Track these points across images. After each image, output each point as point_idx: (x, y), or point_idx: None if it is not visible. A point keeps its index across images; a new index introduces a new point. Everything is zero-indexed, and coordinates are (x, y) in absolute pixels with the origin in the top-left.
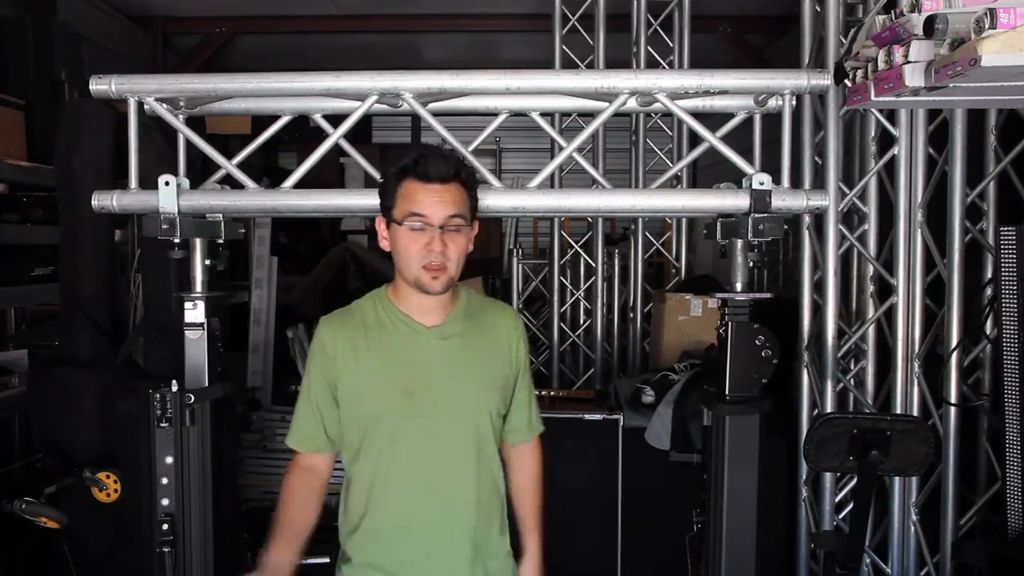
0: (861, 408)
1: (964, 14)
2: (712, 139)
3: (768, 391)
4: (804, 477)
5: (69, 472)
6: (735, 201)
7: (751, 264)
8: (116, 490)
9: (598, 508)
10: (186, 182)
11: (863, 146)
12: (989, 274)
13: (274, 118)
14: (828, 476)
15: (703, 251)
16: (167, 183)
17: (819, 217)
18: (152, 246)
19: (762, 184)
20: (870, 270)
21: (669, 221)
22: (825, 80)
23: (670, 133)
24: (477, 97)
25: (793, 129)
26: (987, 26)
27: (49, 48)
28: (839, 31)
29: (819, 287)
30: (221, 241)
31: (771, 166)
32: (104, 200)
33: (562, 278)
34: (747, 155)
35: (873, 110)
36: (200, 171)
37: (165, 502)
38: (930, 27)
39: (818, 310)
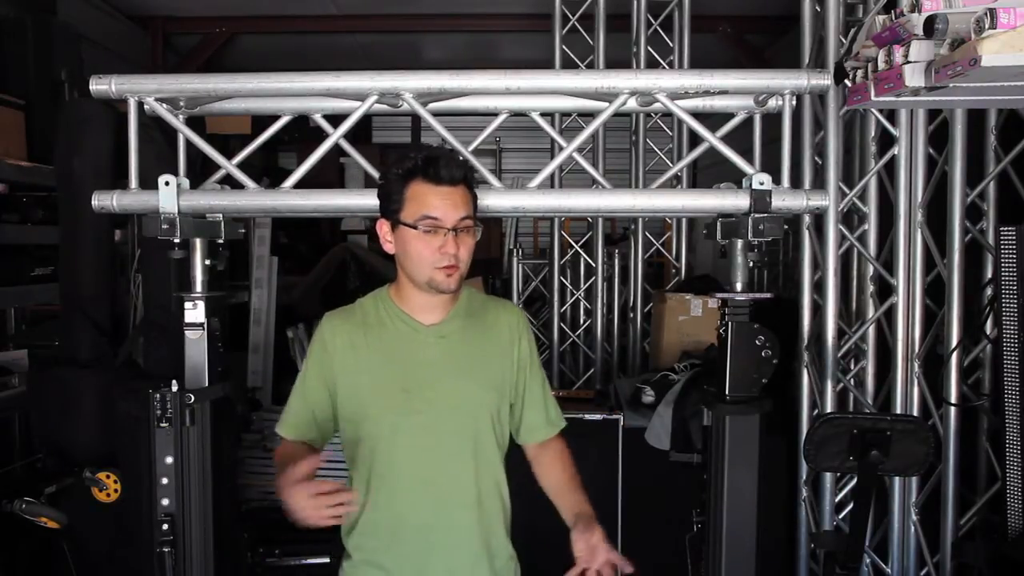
0: (861, 408)
1: (964, 14)
2: (712, 139)
3: (768, 391)
4: (804, 477)
5: (69, 472)
6: (735, 201)
7: (751, 264)
8: (116, 490)
9: (598, 508)
10: (186, 182)
11: (863, 146)
12: (989, 274)
13: (274, 118)
14: (828, 476)
15: (703, 251)
16: (167, 183)
17: (819, 217)
18: (152, 246)
19: (762, 184)
20: (870, 270)
21: (669, 221)
22: (825, 80)
23: (670, 133)
24: (477, 97)
25: (793, 129)
26: (987, 26)
27: (49, 48)
28: (839, 31)
29: (819, 287)
30: (221, 241)
31: (771, 166)
32: (104, 200)
33: (562, 278)
34: (747, 155)
35: (873, 110)
36: (200, 171)
37: (165, 502)
38: (930, 27)
39: (818, 310)
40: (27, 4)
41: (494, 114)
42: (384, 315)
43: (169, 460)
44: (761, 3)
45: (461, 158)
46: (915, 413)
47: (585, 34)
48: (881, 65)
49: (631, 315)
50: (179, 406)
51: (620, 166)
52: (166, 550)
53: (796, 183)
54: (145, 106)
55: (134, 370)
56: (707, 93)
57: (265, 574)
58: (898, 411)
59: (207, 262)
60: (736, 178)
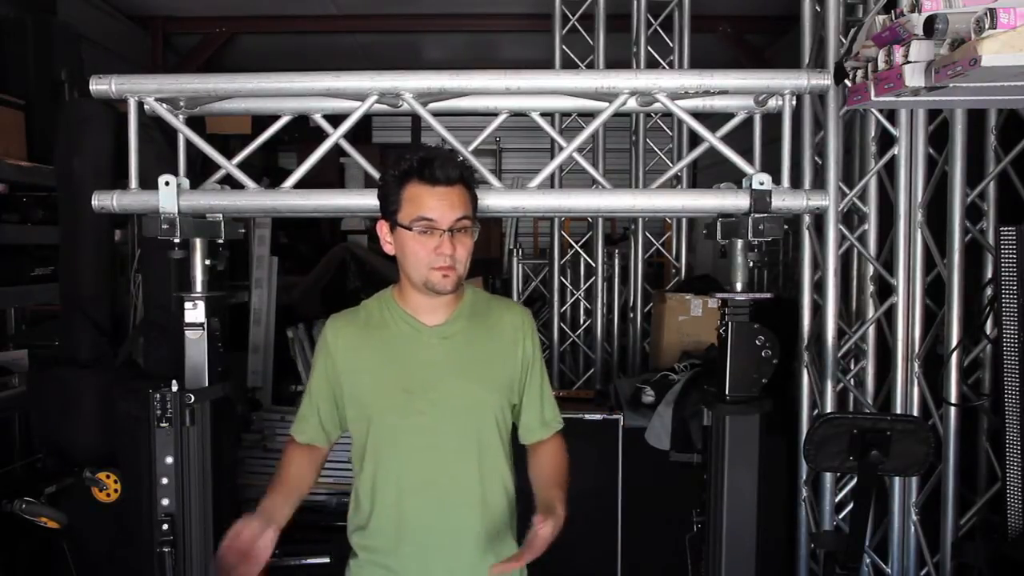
0: (861, 408)
1: (964, 14)
2: (712, 139)
3: (768, 391)
4: (804, 477)
5: (69, 472)
6: (735, 201)
7: (751, 264)
8: (116, 490)
9: (598, 508)
10: (186, 182)
11: (863, 146)
12: (989, 274)
13: (274, 118)
14: (828, 476)
15: (703, 251)
16: (167, 183)
17: (819, 217)
18: (152, 246)
19: (762, 184)
20: (870, 270)
21: (669, 221)
22: (825, 80)
23: (670, 133)
24: (477, 97)
25: (793, 129)
26: (987, 26)
27: (49, 48)
28: (839, 31)
29: (819, 287)
30: (221, 241)
31: (771, 166)
32: (104, 200)
33: (562, 278)
34: (747, 155)
35: (873, 110)
36: (200, 171)
37: (165, 502)
38: (930, 27)
39: (818, 310)
40: (27, 4)
41: (494, 114)
42: (387, 316)
43: (169, 460)
44: (761, 3)
45: (459, 158)
46: (915, 413)
47: (585, 34)
48: (881, 65)
49: (631, 315)
50: (179, 406)
51: (620, 166)
52: (166, 550)
53: (796, 183)
54: (145, 106)
55: (134, 370)
56: (707, 93)
57: (265, 574)
58: (898, 411)
59: (207, 262)
60: (736, 178)
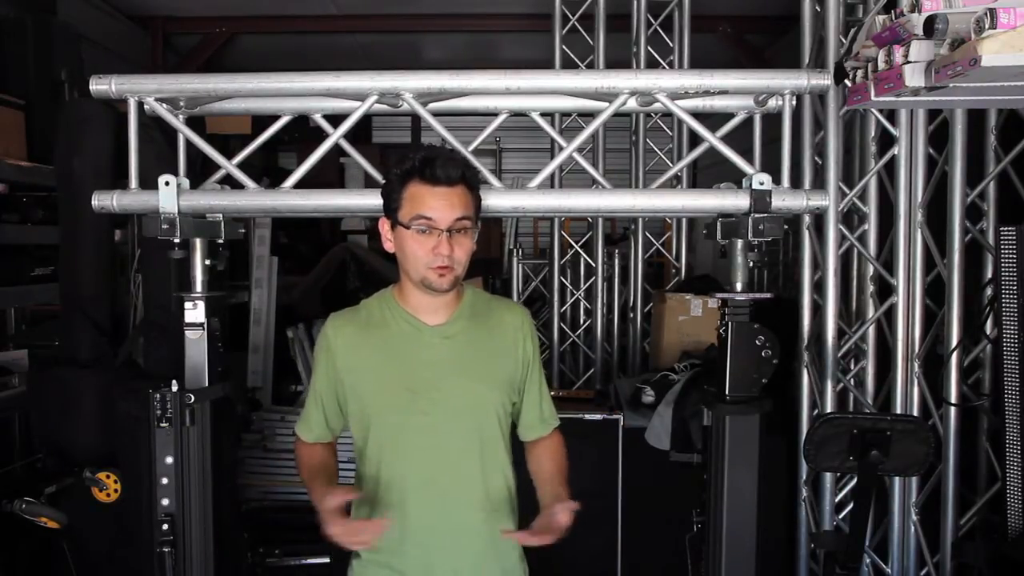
0: (861, 408)
1: (964, 14)
2: (712, 139)
3: (768, 391)
4: (804, 477)
5: (69, 472)
6: (735, 201)
7: (751, 264)
8: (116, 490)
9: (598, 508)
10: (186, 182)
11: (863, 146)
12: (989, 274)
13: (274, 118)
14: (828, 476)
15: (703, 251)
16: (167, 183)
17: (819, 217)
18: (152, 246)
19: (762, 184)
20: (870, 270)
21: (669, 221)
22: (825, 80)
23: (670, 133)
24: (477, 97)
25: (793, 129)
26: (987, 26)
27: (49, 48)
28: (839, 31)
29: (819, 287)
30: (221, 241)
31: (771, 166)
32: (104, 200)
33: (562, 278)
34: (747, 155)
35: (873, 110)
36: (200, 171)
37: (165, 502)
38: (930, 27)
39: (818, 310)
40: (27, 4)
41: (494, 114)
42: (388, 316)
43: (169, 460)
44: (761, 3)
45: (461, 158)
46: (915, 413)
47: (585, 34)
48: (881, 65)
49: (631, 315)
50: (179, 406)
51: (620, 166)
52: (166, 550)
53: (796, 183)
54: (145, 106)
55: (134, 370)
56: (707, 93)
57: (265, 574)
58: (898, 411)
59: (207, 262)
60: (736, 178)
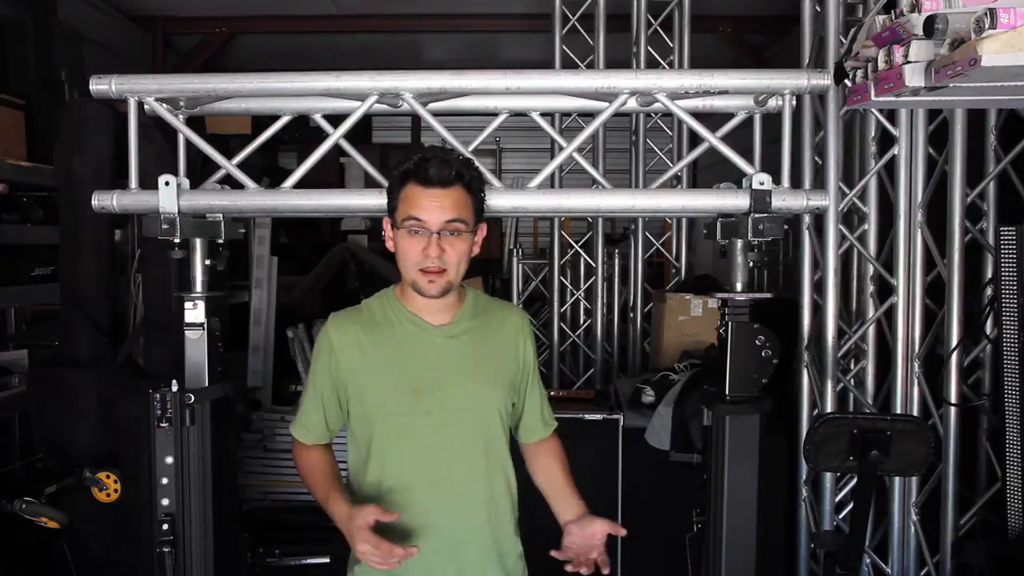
0: (861, 408)
1: (964, 14)
2: (712, 139)
3: (768, 391)
4: (804, 477)
5: (69, 472)
6: (735, 201)
7: (751, 264)
8: (116, 490)
9: (598, 508)
10: (186, 182)
11: (863, 146)
12: (989, 274)
13: (274, 118)
14: (828, 476)
15: (703, 251)
16: (167, 183)
17: (819, 217)
18: (152, 246)
19: (762, 184)
20: (870, 270)
21: (669, 221)
22: (825, 80)
23: (670, 133)
24: (477, 97)
25: (793, 129)
26: (987, 26)
27: (49, 48)
28: (839, 31)
29: (819, 287)
30: (221, 241)
31: (771, 166)
32: (104, 200)
33: (562, 278)
34: (747, 155)
35: (873, 110)
36: (200, 171)
37: (165, 502)
38: (930, 27)
39: (818, 310)
40: (27, 4)
41: (494, 114)
42: (392, 315)
43: (169, 460)
44: (761, 3)
45: (464, 159)
46: (915, 413)
47: (585, 34)
48: (881, 65)
49: (631, 315)
50: (179, 406)
51: (620, 166)
52: (166, 550)
53: (796, 183)
54: (145, 106)
55: (134, 370)
56: (707, 93)
57: (265, 574)
58: (898, 411)
59: (207, 262)
60: (736, 178)
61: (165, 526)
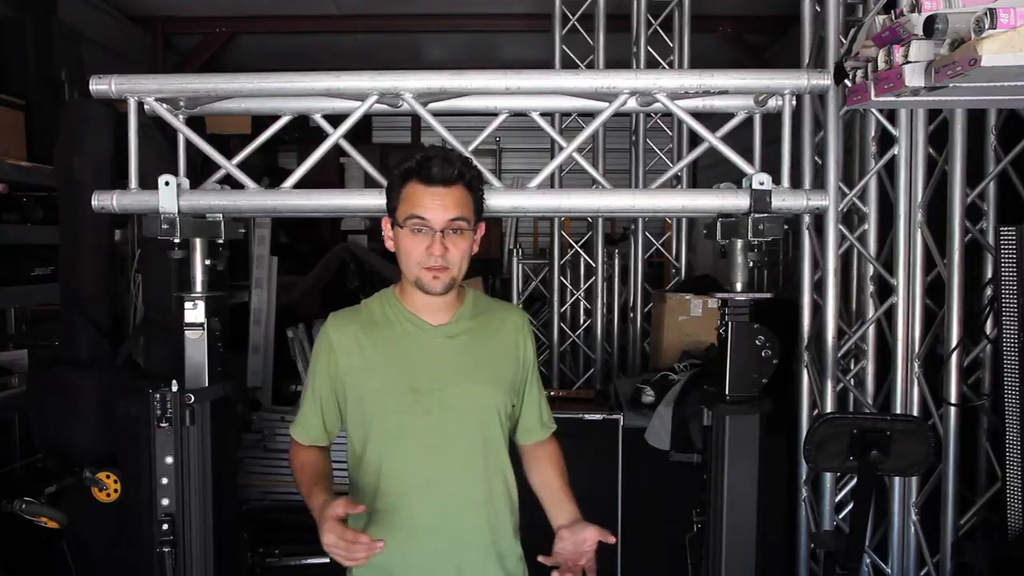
0: (861, 408)
1: (964, 14)
2: (712, 139)
3: (768, 391)
4: (804, 477)
5: (69, 472)
6: (735, 201)
7: (751, 264)
8: (116, 490)
9: (598, 508)
10: (186, 182)
11: (863, 146)
12: (989, 274)
13: (274, 118)
14: (828, 476)
15: (703, 251)
16: (167, 183)
17: (819, 217)
18: (152, 246)
19: (762, 184)
20: (870, 270)
21: (669, 221)
22: (825, 80)
23: (670, 133)
24: (477, 97)
25: (793, 129)
26: (987, 26)
27: (49, 48)
28: (839, 31)
29: (819, 287)
30: (221, 241)
31: (771, 166)
32: (104, 200)
33: (562, 278)
34: (747, 155)
35: (873, 110)
36: (200, 171)
37: (165, 502)
38: (930, 27)
39: (818, 310)
40: (27, 4)
41: (494, 114)
42: (391, 315)
43: (169, 460)
44: (761, 3)
45: (464, 157)
46: (915, 413)
47: (585, 34)
48: (881, 65)
49: (631, 315)
50: (179, 406)
51: (620, 166)
52: (166, 550)
53: (796, 183)
54: (145, 106)
55: (134, 370)
56: (707, 93)
57: (265, 574)
58: (898, 411)
59: (207, 262)
60: (736, 178)
61: (165, 526)
